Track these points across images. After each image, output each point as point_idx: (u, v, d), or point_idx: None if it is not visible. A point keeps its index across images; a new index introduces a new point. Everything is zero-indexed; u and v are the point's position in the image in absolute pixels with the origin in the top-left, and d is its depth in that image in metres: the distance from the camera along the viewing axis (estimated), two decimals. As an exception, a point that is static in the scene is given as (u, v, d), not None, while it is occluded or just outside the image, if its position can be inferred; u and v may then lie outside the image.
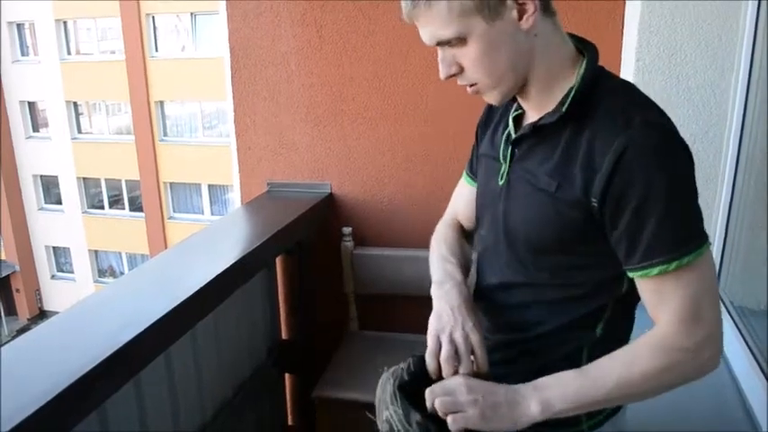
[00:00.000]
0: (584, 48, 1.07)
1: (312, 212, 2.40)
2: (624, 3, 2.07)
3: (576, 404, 1.00)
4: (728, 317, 1.84)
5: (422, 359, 1.07)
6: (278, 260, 2.47)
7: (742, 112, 1.83)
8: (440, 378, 1.04)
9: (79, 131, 17.82)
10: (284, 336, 2.56)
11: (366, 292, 2.54)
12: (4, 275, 18.43)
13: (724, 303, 1.90)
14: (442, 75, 1.05)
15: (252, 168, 2.58)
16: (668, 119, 0.99)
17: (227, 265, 1.79)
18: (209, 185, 16.68)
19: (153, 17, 16.26)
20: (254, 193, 2.57)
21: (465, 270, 1.23)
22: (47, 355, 1.35)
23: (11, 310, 18.78)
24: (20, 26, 17.63)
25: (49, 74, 17.19)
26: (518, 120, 1.14)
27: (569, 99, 1.01)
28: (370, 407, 1.46)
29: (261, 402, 2.35)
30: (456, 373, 1.04)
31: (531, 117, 1.10)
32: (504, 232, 1.13)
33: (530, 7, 0.98)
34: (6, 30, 17.46)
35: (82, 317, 1.55)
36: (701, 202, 1.90)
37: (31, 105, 18.06)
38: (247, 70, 2.48)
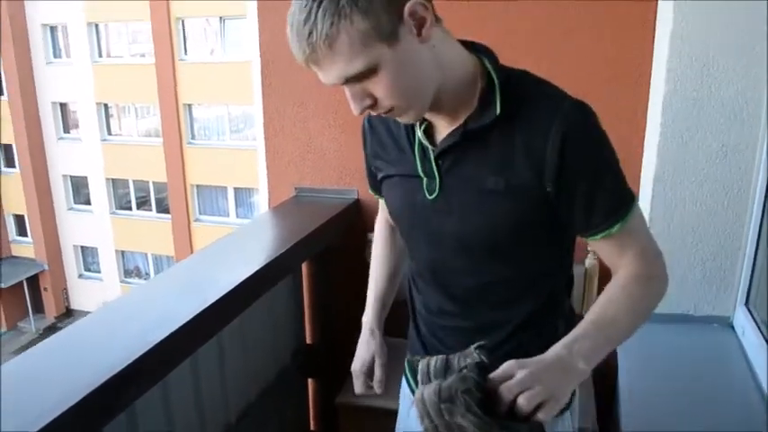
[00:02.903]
0: (474, 48, 1.10)
1: (339, 218, 2.41)
2: (656, 10, 2.05)
3: (603, 352, 1.01)
4: (758, 332, 1.81)
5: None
6: (304, 265, 2.48)
7: (776, 123, 1.81)
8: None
9: (109, 133, 18.09)
10: (309, 340, 2.57)
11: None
12: (32, 274, 18.74)
13: (754, 319, 1.88)
14: (356, 111, 1.02)
15: (280, 173, 2.60)
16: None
17: (254, 270, 1.80)
18: (235, 188, 16.81)
19: (183, 21, 16.45)
20: (282, 198, 2.59)
21: (391, 277, 1.49)
22: (75, 356, 1.37)
23: (38, 309, 19.10)
24: (53, 29, 17.96)
25: (81, 76, 17.48)
26: (427, 133, 1.13)
27: (497, 98, 1.04)
28: (393, 414, 1.46)
29: (284, 407, 2.36)
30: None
31: (444, 126, 1.10)
32: (453, 245, 1.14)
33: (427, 20, 0.97)
34: (40, 32, 17.80)
35: (110, 319, 1.57)
36: (732, 214, 1.90)
37: (63, 107, 18.38)
38: (277, 76, 2.50)
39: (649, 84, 2.09)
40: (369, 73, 0.96)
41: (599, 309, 1.05)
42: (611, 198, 1.06)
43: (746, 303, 1.96)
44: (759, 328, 1.83)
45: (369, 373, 1.42)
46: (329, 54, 0.94)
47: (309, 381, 2.62)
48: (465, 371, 0.89)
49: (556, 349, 0.96)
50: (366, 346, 1.44)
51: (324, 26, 0.92)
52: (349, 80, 0.98)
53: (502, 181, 1.04)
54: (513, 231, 1.09)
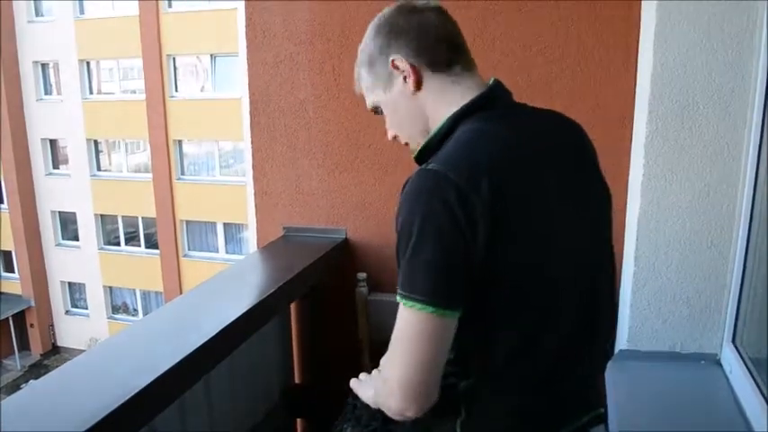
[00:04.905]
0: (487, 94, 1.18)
1: (327, 258, 2.41)
2: (636, 56, 2.10)
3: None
4: (746, 370, 1.82)
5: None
6: (292, 305, 2.47)
7: (755, 163, 1.84)
8: None
9: (98, 169, 18.09)
10: (297, 380, 2.56)
11: (380, 338, 2.52)
12: (18, 310, 18.53)
13: (741, 357, 1.89)
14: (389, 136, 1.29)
15: (268, 212, 2.61)
16: (447, 173, 1.01)
17: (242, 312, 1.80)
18: (225, 224, 16.79)
19: (174, 58, 16.60)
20: (271, 237, 2.59)
21: None
22: (59, 402, 1.36)
23: (24, 345, 18.84)
24: (44, 66, 18.06)
25: (71, 112, 17.54)
26: None
27: (416, 152, 1.21)
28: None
29: (272, 448, 2.34)
30: None
31: None
32: None
33: (406, 72, 1.17)
34: (31, 69, 17.89)
35: (95, 363, 1.56)
36: (716, 251, 1.92)
37: (53, 143, 18.39)
38: (266, 117, 2.52)
39: (632, 125, 2.12)
40: (378, 109, 1.26)
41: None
42: (402, 269, 1.05)
43: (733, 341, 1.97)
44: (747, 366, 1.84)
45: None
46: (360, 89, 1.28)
47: (298, 421, 2.59)
48: None
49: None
50: None
51: (356, 71, 1.28)
52: (375, 111, 1.28)
53: None
54: None
